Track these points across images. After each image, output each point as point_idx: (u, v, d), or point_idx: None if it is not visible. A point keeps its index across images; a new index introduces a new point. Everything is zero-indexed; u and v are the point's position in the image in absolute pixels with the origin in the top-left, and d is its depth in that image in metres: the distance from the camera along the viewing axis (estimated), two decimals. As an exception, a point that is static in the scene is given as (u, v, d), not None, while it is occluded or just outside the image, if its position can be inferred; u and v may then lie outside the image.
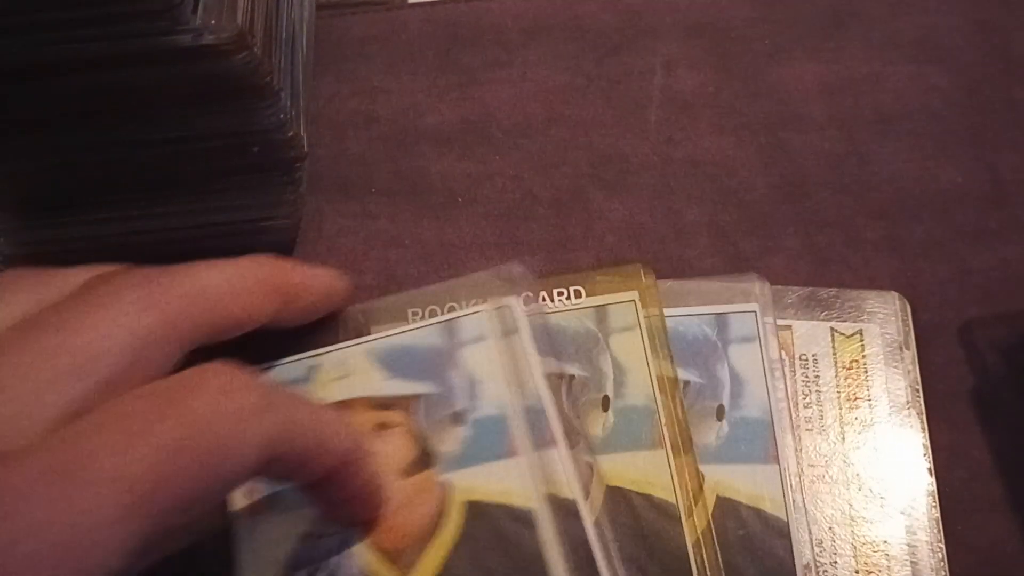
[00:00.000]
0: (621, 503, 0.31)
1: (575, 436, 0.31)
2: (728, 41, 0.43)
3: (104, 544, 0.21)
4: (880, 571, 0.30)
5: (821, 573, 0.30)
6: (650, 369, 0.33)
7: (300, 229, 0.38)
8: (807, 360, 0.34)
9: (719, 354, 0.33)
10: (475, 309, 0.33)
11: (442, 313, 0.34)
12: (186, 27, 0.28)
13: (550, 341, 0.33)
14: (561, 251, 0.38)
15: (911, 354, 0.34)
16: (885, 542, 0.31)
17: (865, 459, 0.32)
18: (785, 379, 0.33)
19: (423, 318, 0.34)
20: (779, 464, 0.31)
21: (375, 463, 0.29)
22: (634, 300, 0.34)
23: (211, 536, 0.30)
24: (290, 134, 0.33)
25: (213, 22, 0.29)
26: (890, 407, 0.33)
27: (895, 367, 0.34)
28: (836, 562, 0.30)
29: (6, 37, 0.28)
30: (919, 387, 0.34)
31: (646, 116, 0.41)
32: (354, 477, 0.28)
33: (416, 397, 0.32)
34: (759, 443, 0.31)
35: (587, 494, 0.30)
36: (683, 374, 0.33)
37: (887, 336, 0.34)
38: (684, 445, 0.31)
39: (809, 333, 0.34)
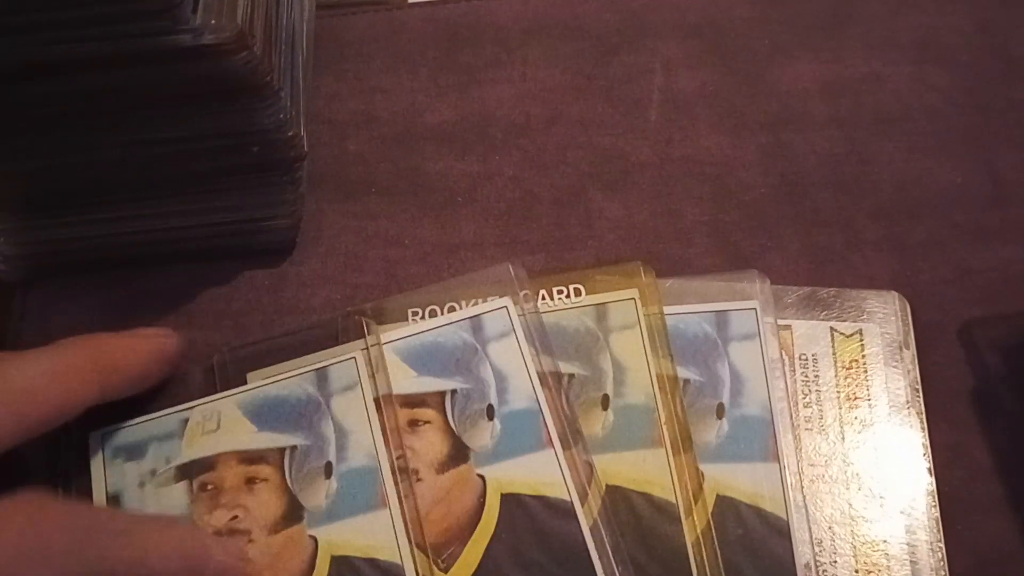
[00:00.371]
0: (621, 502, 0.31)
1: (575, 436, 0.31)
2: (728, 41, 0.43)
3: None
4: (880, 570, 0.30)
5: (821, 572, 0.30)
6: (650, 367, 0.33)
7: (300, 229, 0.38)
8: (807, 360, 0.34)
9: (719, 352, 0.33)
10: (344, 357, 0.33)
11: (442, 313, 0.34)
12: (186, 27, 0.28)
13: (545, 340, 0.33)
14: (561, 250, 0.38)
15: (911, 354, 0.34)
16: (885, 541, 0.31)
17: (865, 459, 0.32)
18: (785, 378, 0.33)
19: (423, 318, 0.34)
20: (779, 463, 0.31)
21: None
22: (634, 298, 0.34)
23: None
24: (290, 134, 0.33)
25: (213, 22, 0.29)
26: (890, 407, 0.33)
27: (895, 367, 0.34)
28: (836, 561, 0.30)
29: (6, 37, 0.28)
30: (919, 387, 0.34)
31: (646, 116, 0.41)
32: None
33: (285, 449, 0.32)
34: (759, 442, 0.31)
35: (586, 493, 0.30)
36: (683, 372, 0.33)
37: (887, 336, 0.34)
38: (684, 444, 0.31)
39: (809, 333, 0.34)
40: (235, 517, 0.31)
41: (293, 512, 0.31)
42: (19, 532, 0.22)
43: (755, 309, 0.34)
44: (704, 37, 0.43)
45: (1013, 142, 0.40)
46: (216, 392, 0.33)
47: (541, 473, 0.31)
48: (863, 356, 0.34)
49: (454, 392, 0.32)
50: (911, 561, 0.30)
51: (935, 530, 0.31)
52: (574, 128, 0.41)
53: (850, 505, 0.31)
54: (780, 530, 0.30)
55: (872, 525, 0.31)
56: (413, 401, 0.32)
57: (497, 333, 0.33)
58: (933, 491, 0.32)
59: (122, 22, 0.28)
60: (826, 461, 0.32)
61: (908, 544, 0.31)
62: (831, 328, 0.34)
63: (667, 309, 0.34)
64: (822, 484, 0.32)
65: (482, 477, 0.31)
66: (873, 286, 0.36)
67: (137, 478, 0.32)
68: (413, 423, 0.32)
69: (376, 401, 0.32)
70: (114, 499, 0.31)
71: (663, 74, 0.42)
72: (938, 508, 0.31)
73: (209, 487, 0.31)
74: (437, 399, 0.32)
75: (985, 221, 0.38)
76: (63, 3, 0.28)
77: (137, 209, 0.36)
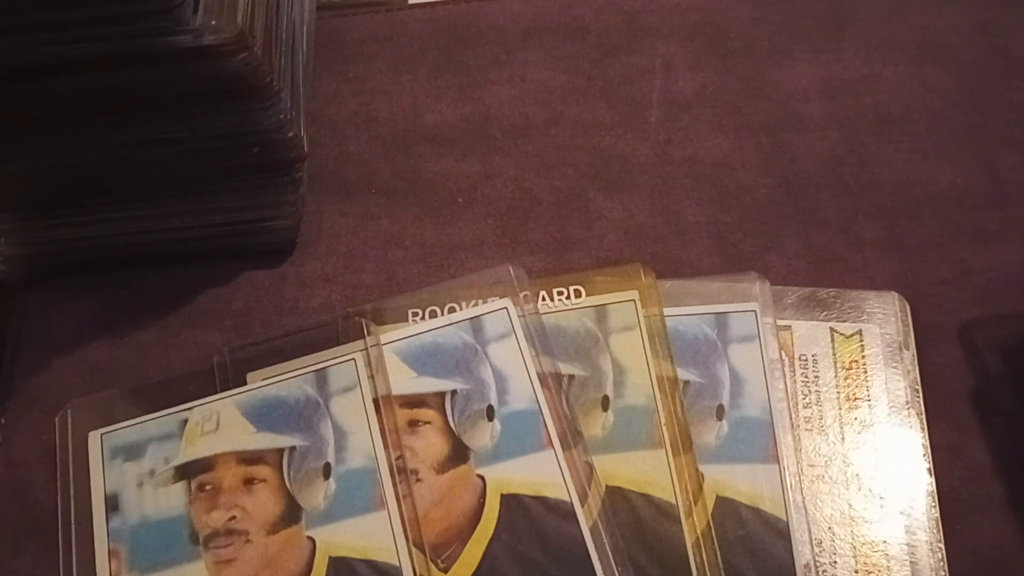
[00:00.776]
0: (621, 503, 0.31)
1: (575, 436, 0.31)
2: (728, 41, 0.43)
3: None
4: (880, 571, 0.30)
5: (821, 573, 0.30)
6: (650, 369, 0.33)
7: (300, 229, 0.38)
8: (807, 360, 0.34)
9: (719, 353, 0.33)
10: (343, 358, 0.33)
11: (442, 314, 0.34)
12: (186, 28, 0.28)
13: (545, 341, 0.33)
14: (561, 251, 0.38)
15: (911, 354, 0.34)
16: (885, 542, 0.31)
17: (865, 459, 0.32)
18: (785, 379, 0.33)
19: (423, 319, 0.34)
20: (779, 464, 0.31)
21: None
22: (634, 300, 0.34)
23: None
24: (290, 134, 0.34)
25: (213, 23, 0.29)
26: (890, 407, 0.33)
27: (895, 367, 0.34)
28: (836, 562, 0.30)
29: (7, 37, 0.28)
30: (919, 387, 0.34)
31: (646, 116, 0.41)
32: None
33: (284, 450, 0.32)
34: (759, 443, 0.31)
35: (585, 494, 0.30)
36: (683, 374, 0.33)
37: (887, 336, 0.34)
38: (684, 445, 0.31)
39: (809, 333, 0.34)
40: (233, 517, 0.31)
41: (291, 513, 0.31)
42: None
43: (755, 311, 0.34)
44: (704, 38, 0.43)
45: (1013, 142, 0.40)
46: (215, 392, 0.33)
47: (541, 474, 0.31)
48: (863, 357, 0.34)
49: (454, 393, 0.32)
50: (911, 561, 0.30)
51: (935, 530, 0.31)
52: (574, 129, 0.41)
53: (850, 506, 0.31)
54: (780, 531, 0.30)
55: (872, 525, 0.31)
56: (413, 401, 0.32)
57: (497, 334, 0.33)
58: (933, 491, 0.32)
59: (123, 23, 0.28)
60: (826, 462, 0.32)
61: (908, 544, 0.31)
62: (831, 329, 0.34)
63: (667, 310, 0.34)
64: (822, 485, 0.32)
65: (482, 477, 0.31)
66: (873, 286, 0.36)
67: (136, 478, 0.32)
68: (413, 423, 0.32)
69: (375, 402, 0.32)
70: (113, 499, 0.31)
71: (663, 75, 0.42)
72: (938, 508, 0.31)
73: (208, 487, 0.31)
74: (437, 400, 0.32)
75: (985, 221, 0.38)
76: (64, 4, 0.28)
77: (137, 209, 0.36)
